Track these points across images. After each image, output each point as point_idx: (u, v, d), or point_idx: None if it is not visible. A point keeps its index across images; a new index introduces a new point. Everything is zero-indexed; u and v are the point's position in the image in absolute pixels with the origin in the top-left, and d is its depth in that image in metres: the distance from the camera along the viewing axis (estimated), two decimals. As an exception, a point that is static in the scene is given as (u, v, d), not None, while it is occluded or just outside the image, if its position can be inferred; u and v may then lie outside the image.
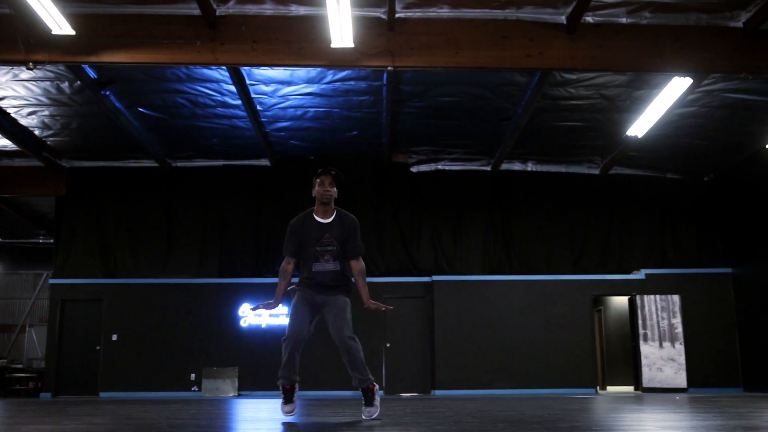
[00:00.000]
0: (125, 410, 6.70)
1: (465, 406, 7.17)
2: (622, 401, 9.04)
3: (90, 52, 10.06)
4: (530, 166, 16.45)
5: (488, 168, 16.45)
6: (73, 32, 9.55)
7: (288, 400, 5.37)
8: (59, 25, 9.35)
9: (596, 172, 16.47)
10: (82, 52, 10.06)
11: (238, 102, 13.00)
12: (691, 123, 13.61)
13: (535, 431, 3.83)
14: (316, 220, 5.34)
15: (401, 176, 16.38)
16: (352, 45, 9.75)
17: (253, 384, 15.17)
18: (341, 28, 9.35)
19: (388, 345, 15.52)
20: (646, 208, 16.42)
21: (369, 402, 5.09)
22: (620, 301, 18.01)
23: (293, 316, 5.19)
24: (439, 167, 16.48)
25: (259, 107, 13.34)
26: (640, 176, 16.55)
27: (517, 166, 16.44)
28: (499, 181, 16.47)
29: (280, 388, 5.33)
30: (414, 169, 16.44)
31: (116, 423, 4.67)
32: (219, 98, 12.93)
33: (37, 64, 10.01)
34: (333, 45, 9.76)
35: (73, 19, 9.63)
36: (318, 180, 5.28)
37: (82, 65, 11.09)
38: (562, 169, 16.50)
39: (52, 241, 21.22)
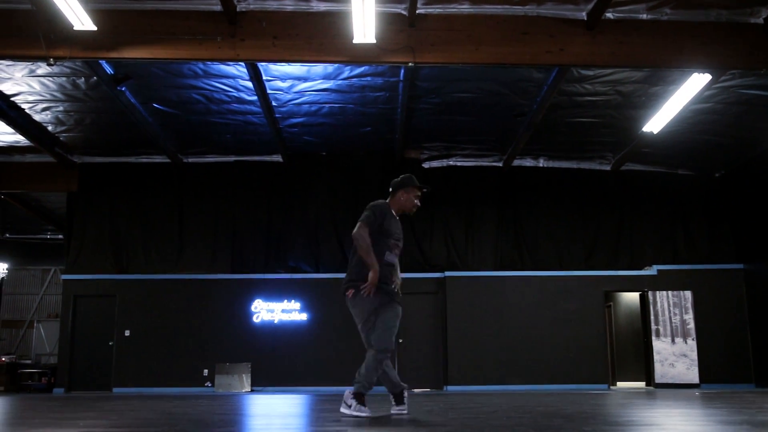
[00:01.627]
0: (158, 405, 6.71)
1: (495, 401, 7.19)
2: (641, 397, 9.07)
3: (110, 47, 10.05)
4: (542, 162, 16.46)
5: (500, 164, 16.46)
6: (94, 28, 9.54)
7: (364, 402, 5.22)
8: (81, 20, 9.33)
9: (607, 168, 16.49)
10: (102, 48, 10.06)
11: (254, 98, 13.00)
12: (706, 119, 13.63)
13: (592, 425, 3.84)
14: (395, 215, 5.38)
15: (413, 172, 16.29)
16: (374, 41, 9.75)
17: (265, 379, 15.20)
18: (364, 24, 9.34)
19: (400, 341, 15.52)
20: (657, 204, 16.45)
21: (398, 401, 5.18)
22: (630, 297, 18.05)
23: (394, 328, 5.15)
24: (451, 163, 16.49)
25: (274, 103, 13.34)
26: (652, 172, 16.58)
27: (528, 162, 16.45)
28: (511, 177, 16.49)
29: (361, 397, 5.13)
30: (426, 165, 16.45)
31: (169, 418, 4.68)
32: (234, 94, 12.93)
33: (57, 59, 10.00)
34: (355, 41, 9.75)
35: (94, 15, 9.62)
36: (411, 189, 5.47)
37: (100, 61, 11.09)
38: (573, 165, 16.51)
39: (60, 236, 21.28)
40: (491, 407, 6.08)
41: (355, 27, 9.45)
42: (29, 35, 9.87)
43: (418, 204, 5.44)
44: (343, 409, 5.10)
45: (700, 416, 4.76)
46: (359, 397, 5.06)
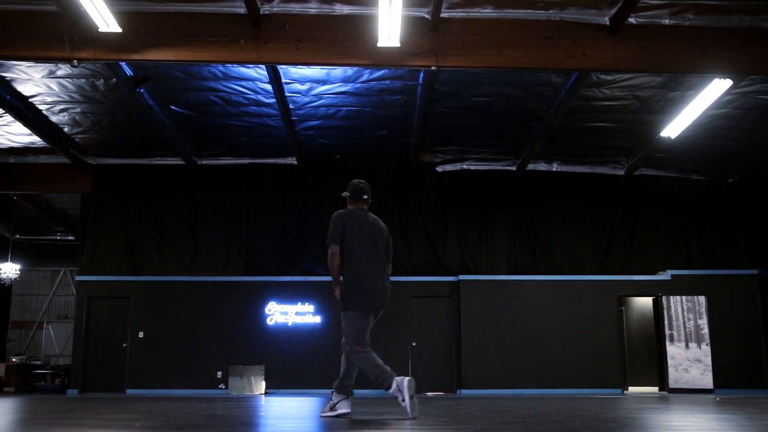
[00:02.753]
0: (190, 407, 6.71)
1: (526, 405, 7.19)
2: (659, 402, 9.07)
3: (134, 49, 10.06)
4: (555, 167, 16.47)
5: (513, 168, 16.48)
6: (119, 30, 9.55)
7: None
8: (107, 22, 9.34)
9: (621, 172, 16.50)
10: (125, 50, 10.07)
11: (271, 100, 13.01)
12: (722, 125, 13.64)
13: (637, 429, 3.85)
14: None
15: (427, 176, 16.40)
16: (398, 45, 9.76)
17: (279, 382, 15.20)
18: (389, 28, 9.36)
19: (414, 344, 15.55)
20: (670, 209, 16.46)
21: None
22: (642, 302, 18.06)
23: None
24: (465, 167, 16.50)
25: (291, 106, 13.35)
26: (665, 177, 16.59)
27: (542, 167, 16.47)
28: (524, 181, 16.50)
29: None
30: (439, 169, 16.46)
31: (213, 419, 4.68)
32: (252, 96, 12.94)
33: (81, 61, 10.02)
34: (379, 44, 9.77)
35: (118, 17, 9.63)
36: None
37: (120, 63, 11.10)
38: (587, 169, 16.53)
39: (70, 237, 21.30)
40: (526, 410, 6.09)
41: (380, 30, 9.46)
42: (53, 37, 9.89)
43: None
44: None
45: (751, 423, 4.76)
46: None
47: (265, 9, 10.10)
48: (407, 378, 5.04)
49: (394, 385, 5.03)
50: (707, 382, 14.96)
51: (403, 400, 4.98)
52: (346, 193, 5.80)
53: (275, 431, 4.04)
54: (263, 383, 15.00)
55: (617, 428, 4.07)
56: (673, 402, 8.93)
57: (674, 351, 15.22)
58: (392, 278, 16.29)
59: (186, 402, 8.45)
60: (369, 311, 5.42)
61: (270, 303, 15.59)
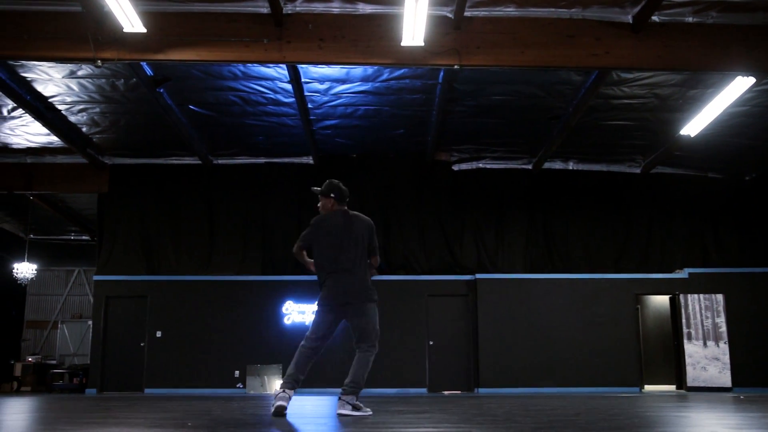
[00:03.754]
0: (224, 405, 6.72)
1: (560, 404, 7.18)
2: (683, 400, 9.05)
3: (157, 49, 10.08)
4: (571, 165, 16.46)
5: (529, 167, 16.46)
6: (144, 30, 9.56)
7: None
8: (132, 22, 9.36)
9: (637, 171, 16.48)
10: (149, 50, 10.08)
11: (290, 100, 13.02)
12: (741, 122, 13.61)
13: (693, 428, 3.85)
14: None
15: (443, 174, 16.39)
16: (422, 44, 9.76)
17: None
18: (414, 27, 9.35)
19: (431, 343, 15.55)
20: (687, 207, 16.44)
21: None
22: (658, 300, 18.01)
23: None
24: (480, 165, 16.49)
25: (310, 105, 13.36)
26: (682, 175, 16.56)
27: (558, 165, 16.45)
28: (541, 179, 16.49)
29: None
30: (455, 168, 16.45)
31: (255, 417, 4.69)
32: (271, 96, 12.95)
33: (105, 61, 10.04)
34: (403, 43, 9.77)
35: (143, 17, 9.64)
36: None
37: (141, 63, 11.13)
38: (603, 168, 16.51)
39: (84, 237, 21.35)
40: (562, 409, 6.08)
41: (405, 29, 9.45)
42: (77, 37, 9.91)
43: (318, 206, 5.98)
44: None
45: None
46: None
47: (288, 8, 10.10)
48: (281, 393, 5.20)
49: (279, 391, 5.19)
50: (726, 380, 14.93)
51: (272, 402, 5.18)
52: (332, 195, 5.88)
53: (326, 427, 4.05)
54: (280, 382, 14.98)
55: (670, 425, 4.07)
56: (698, 400, 8.92)
57: (692, 349, 15.19)
58: (409, 277, 16.06)
59: (213, 401, 8.47)
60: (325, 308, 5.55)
61: (287, 302, 15.60)
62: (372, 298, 5.53)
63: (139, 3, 9.54)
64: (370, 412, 5.39)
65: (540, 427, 4.15)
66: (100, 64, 10.09)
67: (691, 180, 16.54)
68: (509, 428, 4.03)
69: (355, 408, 5.33)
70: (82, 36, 9.87)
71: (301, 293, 15.65)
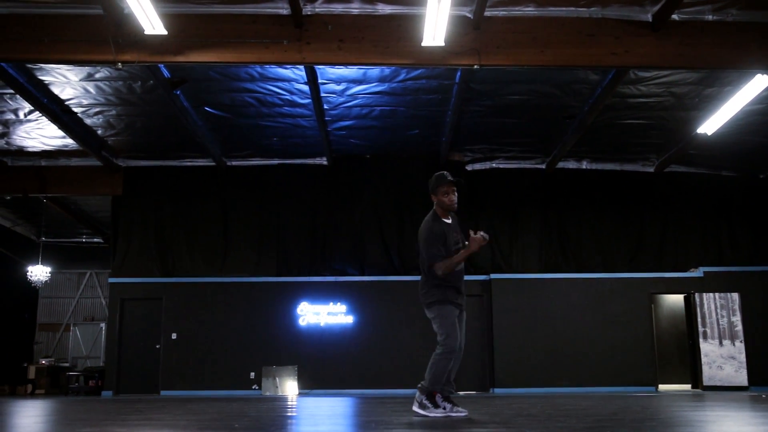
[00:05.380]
0: (252, 406, 6.72)
1: (581, 404, 7.17)
2: (701, 399, 9.03)
3: (177, 51, 10.08)
4: (585, 164, 16.43)
5: (543, 166, 16.45)
6: (165, 32, 9.57)
7: (437, 405, 5.36)
8: (153, 24, 9.37)
9: (651, 170, 16.45)
10: (169, 52, 10.09)
11: (306, 101, 13.03)
12: (756, 120, 13.57)
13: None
14: (446, 222, 5.49)
15: (456, 175, 16.30)
16: (443, 44, 9.76)
17: (312, 382, 15.21)
18: (435, 28, 9.35)
19: (446, 343, 15.50)
20: (701, 205, 16.41)
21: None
22: (672, 299, 17.96)
23: (455, 328, 5.27)
24: (494, 165, 16.48)
25: (325, 106, 13.36)
26: (695, 174, 16.53)
27: (571, 164, 16.43)
28: (554, 179, 16.47)
29: (434, 397, 5.32)
30: (469, 168, 16.45)
31: (283, 419, 4.69)
32: (287, 97, 12.95)
33: (125, 63, 10.05)
34: (424, 44, 9.76)
35: (163, 19, 9.65)
36: (441, 188, 5.34)
37: (159, 65, 11.14)
38: (616, 167, 16.48)
39: (96, 240, 21.37)
40: (594, 408, 6.08)
41: (426, 30, 9.45)
42: (97, 40, 9.92)
43: (454, 199, 5.62)
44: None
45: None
46: (431, 396, 5.33)
47: (307, 9, 10.10)
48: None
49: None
50: (742, 379, 14.89)
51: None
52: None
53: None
54: (296, 384, 15.02)
55: (708, 424, 4.06)
56: (721, 399, 8.90)
57: (708, 348, 15.16)
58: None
59: (240, 402, 8.47)
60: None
61: (302, 303, 15.60)
62: (426, 302, 5.55)
63: (160, 5, 9.54)
64: (439, 413, 5.29)
65: (583, 426, 4.15)
66: (120, 67, 10.10)
67: (704, 178, 16.51)
68: (548, 428, 4.02)
69: (422, 406, 5.31)
70: (102, 38, 9.87)
71: (315, 295, 15.65)
